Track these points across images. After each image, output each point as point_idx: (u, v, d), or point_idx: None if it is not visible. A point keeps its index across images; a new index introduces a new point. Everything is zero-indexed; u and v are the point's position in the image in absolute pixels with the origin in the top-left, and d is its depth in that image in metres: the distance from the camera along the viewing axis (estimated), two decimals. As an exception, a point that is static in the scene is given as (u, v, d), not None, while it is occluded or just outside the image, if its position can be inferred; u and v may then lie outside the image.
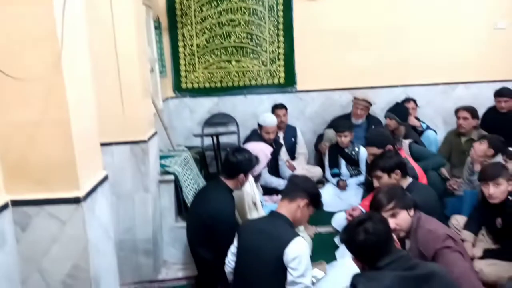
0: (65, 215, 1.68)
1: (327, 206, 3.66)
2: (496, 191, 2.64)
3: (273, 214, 2.16)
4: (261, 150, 3.17)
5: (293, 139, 4.57)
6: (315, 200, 2.20)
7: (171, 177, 3.00)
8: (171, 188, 3.04)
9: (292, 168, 4.23)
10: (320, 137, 4.65)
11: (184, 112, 4.85)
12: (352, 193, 3.93)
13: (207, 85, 4.79)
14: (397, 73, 4.77)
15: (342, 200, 3.87)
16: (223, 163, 2.86)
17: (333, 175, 4.10)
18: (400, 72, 4.77)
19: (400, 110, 4.00)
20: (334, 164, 4.10)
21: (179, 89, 4.79)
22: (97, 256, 1.77)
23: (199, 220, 2.53)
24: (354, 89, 4.75)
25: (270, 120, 3.96)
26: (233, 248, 2.21)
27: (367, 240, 1.58)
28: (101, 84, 2.48)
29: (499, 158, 3.26)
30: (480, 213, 2.94)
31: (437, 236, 2.00)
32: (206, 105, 4.84)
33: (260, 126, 3.98)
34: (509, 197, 2.70)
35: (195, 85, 4.79)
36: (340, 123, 4.19)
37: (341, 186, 4.00)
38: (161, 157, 3.21)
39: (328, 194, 3.86)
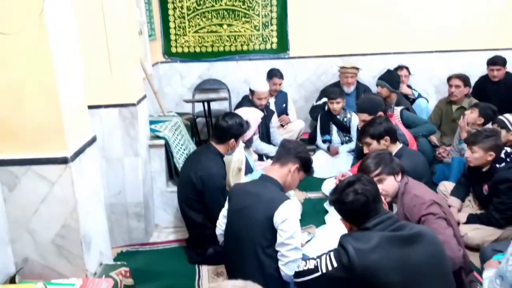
0: (53, 175, 1.66)
1: (318, 173, 3.65)
2: (470, 155, 2.76)
3: (264, 178, 2.17)
4: (250, 115, 3.15)
5: (284, 105, 4.54)
6: (306, 166, 2.20)
7: (161, 141, 2.98)
8: (162, 152, 3.02)
9: (287, 121, 4.33)
10: (315, 107, 4.60)
11: (175, 78, 4.77)
12: (343, 160, 3.95)
13: (197, 49, 4.68)
14: (390, 40, 4.72)
15: (333, 167, 3.89)
16: (213, 127, 2.83)
17: (324, 142, 4.11)
18: (393, 39, 4.71)
19: (391, 78, 3.97)
20: (325, 130, 4.11)
21: (169, 53, 4.69)
22: (87, 217, 1.78)
23: (189, 184, 2.53)
24: (347, 55, 4.71)
25: (263, 86, 3.91)
26: (224, 211, 2.23)
27: (356, 201, 1.59)
28: (88, 45, 2.40)
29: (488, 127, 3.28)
30: (467, 180, 3.00)
31: (422, 202, 2.02)
32: (197, 71, 4.76)
33: (251, 91, 3.93)
34: (497, 165, 2.74)
35: (186, 50, 4.68)
36: (332, 90, 4.16)
37: (332, 152, 4.02)
38: (151, 122, 3.17)
39: (319, 161, 3.87)
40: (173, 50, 4.68)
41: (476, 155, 2.74)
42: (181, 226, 2.97)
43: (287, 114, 4.53)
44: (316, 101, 4.60)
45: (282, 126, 4.39)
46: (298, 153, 2.17)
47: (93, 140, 1.90)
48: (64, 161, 1.65)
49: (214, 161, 2.55)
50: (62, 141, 1.64)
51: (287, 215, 1.95)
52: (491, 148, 2.69)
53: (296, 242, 1.96)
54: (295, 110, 4.61)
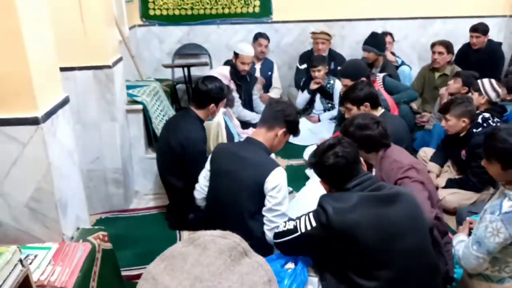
0: (24, 136, 1.59)
1: (300, 140, 3.65)
2: (445, 124, 2.84)
3: (250, 141, 2.13)
4: (218, 73, 3.08)
5: (269, 73, 4.46)
6: (293, 129, 2.17)
7: (139, 106, 2.89)
8: (140, 118, 2.93)
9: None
10: (299, 71, 4.53)
11: (153, 42, 4.60)
12: (325, 127, 3.95)
13: (176, 12, 4.50)
14: (375, 6, 4.63)
15: (315, 134, 3.88)
16: (192, 92, 2.75)
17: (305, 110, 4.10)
18: (378, 5, 4.62)
19: (377, 41, 3.91)
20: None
21: (147, 16, 4.50)
22: (61, 179, 1.71)
23: (169, 149, 2.48)
24: (331, 21, 4.62)
25: (248, 50, 3.76)
26: (205, 172, 2.18)
27: (336, 163, 1.58)
28: (61, 5, 2.28)
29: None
30: (446, 146, 3.04)
31: (400, 166, 2.03)
32: (176, 35, 4.60)
33: (236, 55, 3.75)
34: (474, 130, 2.78)
35: (164, 12, 4.49)
36: (314, 57, 4.08)
37: (313, 120, 4.01)
38: (129, 87, 3.06)
39: (301, 128, 3.84)
40: (151, 12, 4.49)
41: (450, 123, 2.79)
42: (161, 192, 2.93)
43: (271, 83, 4.46)
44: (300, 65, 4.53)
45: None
46: (286, 117, 2.13)
47: (66, 101, 1.80)
48: (35, 121, 1.56)
49: (194, 125, 2.48)
50: (33, 100, 1.55)
51: (278, 182, 1.95)
52: (463, 115, 2.74)
53: (284, 208, 1.97)
54: (279, 77, 4.54)
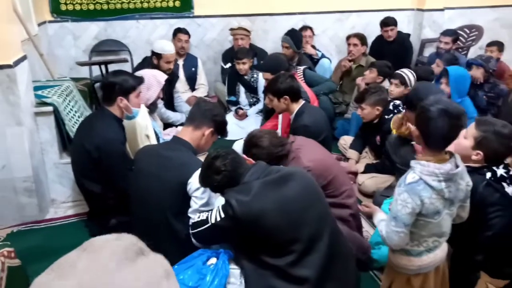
0: None
1: (228, 135, 3.65)
2: (361, 112, 3.01)
3: (176, 140, 2.08)
4: (152, 76, 2.96)
5: (193, 69, 4.36)
6: (221, 129, 2.15)
7: (50, 108, 2.67)
8: (51, 120, 2.72)
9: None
10: (224, 70, 4.49)
11: (67, 39, 4.30)
12: (251, 121, 3.97)
13: (91, 7, 4.25)
14: (295, 1, 4.73)
15: (242, 129, 3.89)
16: (100, 88, 2.60)
17: (229, 102, 4.08)
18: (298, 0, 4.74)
19: (295, 37, 3.99)
20: (232, 92, 4.06)
21: (58, 12, 4.19)
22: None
23: (84, 153, 2.31)
24: (253, 15, 4.64)
25: (170, 48, 3.59)
26: None
27: (223, 178, 1.68)
28: None
29: (386, 83, 3.51)
30: (363, 133, 3.21)
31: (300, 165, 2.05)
32: (93, 31, 4.34)
33: (157, 54, 3.58)
34: (386, 116, 2.96)
35: (77, 7, 4.22)
36: (239, 49, 4.08)
37: (240, 115, 4.01)
38: (38, 88, 2.83)
39: (228, 123, 3.83)
40: (63, 7, 4.19)
41: (366, 111, 2.96)
42: (80, 199, 2.75)
43: (195, 79, 4.38)
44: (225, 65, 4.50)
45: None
46: (214, 116, 2.10)
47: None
48: None
49: (110, 125, 2.33)
50: None
51: None
52: (377, 103, 2.91)
53: (211, 209, 1.93)
54: (204, 72, 4.47)
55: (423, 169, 1.46)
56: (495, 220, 1.73)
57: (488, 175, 1.77)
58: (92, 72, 4.23)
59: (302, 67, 3.69)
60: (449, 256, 1.80)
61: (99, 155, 2.30)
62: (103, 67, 3.73)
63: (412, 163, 1.51)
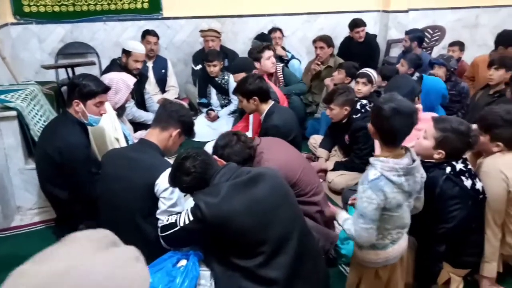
0: None
1: (199, 136, 3.62)
2: (330, 113, 3.05)
3: (143, 142, 2.07)
4: (121, 80, 2.92)
5: (163, 71, 4.33)
6: (188, 129, 2.14)
7: (13, 113, 2.60)
8: (15, 125, 2.64)
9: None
10: (194, 72, 4.47)
11: (31, 42, 4.19)
12: (223, 122, 3.98)
13: (56, 9, 4.15)
14: (264, 2, 4.78)
15: (214, 130, 3.90)
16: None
17: (201, 104, 4.07)
18: (267, 1, 4.78)
19: (264, 40, 4.03)
20: (203, 94, 4.06)
21: (21, 13, 4.08)
22: None
23: (47, 158, 2.25)
24: (223, 17, 4.65)
25: (141, 47, 3.59)
26: None
27: (192, 179, 1.67)
28: None
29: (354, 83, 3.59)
30: (332, 132, 3.27)
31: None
32: (58, 33, 4.24)
33: (127, 52, 3.55)
34: (353, 116, 3.03)
35: (42, 9, 4.11)
36: (209, 52, 4.08)
37: (212, 117, 4.01)
38: (1, 92, 2.75)
39: (200, 125, 3.83)
40: (26, 9, 4.08)
41: (334, 112, 3.01)
42: (47, 205, 2.68)
43: (166, 81, 4.35)
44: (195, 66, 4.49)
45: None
46: (181, 117, 2.09)
47: None
48: None
49: (72, 129, 2.27)
50: None
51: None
52: (345, 103, 2.97)
53: (179, 209, 1.93)
54: (175, 74, 4.44)
55: (383, 165, 1.51)
56: (455, 212, 1.81)
57: (448, 169, 1.84)
58: (59, 75, 4.13)
59: (281, 64, 3.74)
60: (412, 248, 1.87)
61: (62, 160, 2.23)
62: (69, 70, 3.65)
63: (372, 160, 1.56)
